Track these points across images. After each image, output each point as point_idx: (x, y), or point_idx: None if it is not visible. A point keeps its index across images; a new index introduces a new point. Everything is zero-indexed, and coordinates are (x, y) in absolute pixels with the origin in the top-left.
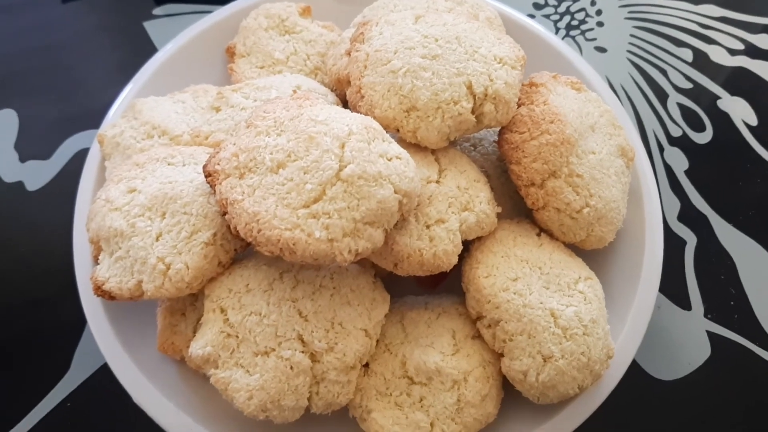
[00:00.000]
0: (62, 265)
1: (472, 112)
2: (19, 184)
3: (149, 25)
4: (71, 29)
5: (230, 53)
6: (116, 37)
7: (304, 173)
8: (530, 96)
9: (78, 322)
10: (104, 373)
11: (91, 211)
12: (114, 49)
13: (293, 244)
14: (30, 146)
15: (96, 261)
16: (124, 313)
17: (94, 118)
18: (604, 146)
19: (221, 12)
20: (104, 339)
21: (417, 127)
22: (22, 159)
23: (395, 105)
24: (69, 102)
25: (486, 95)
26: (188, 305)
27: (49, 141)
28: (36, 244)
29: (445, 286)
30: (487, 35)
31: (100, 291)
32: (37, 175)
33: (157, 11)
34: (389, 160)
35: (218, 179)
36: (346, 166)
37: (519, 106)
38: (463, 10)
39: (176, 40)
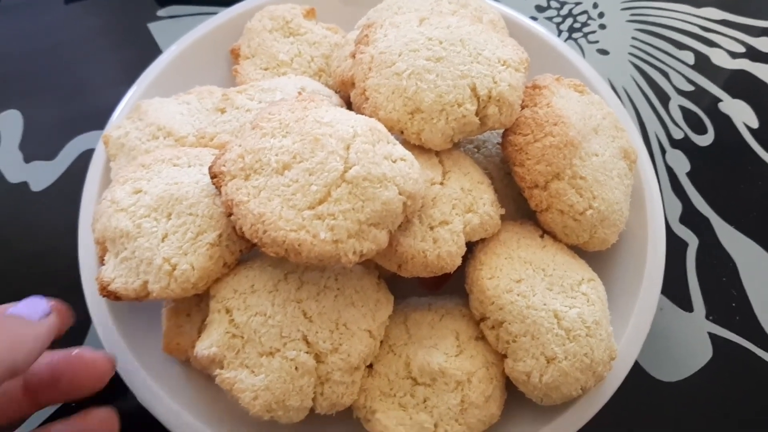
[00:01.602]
0: (67, 266)
1: (476, 114)
2: (24, 185)
3: (153, 27)
4: (74, 30)
5: (235, 55)
6: (120, 38)
7: (309, 175)
8: (533, 98)
9: (82, 323)
10: None
11: (97, 212)
12: (118, 49)
13: (298, 245)
14: (35, 147)
15: (101, 261)
16: (129, 314)
17: (99, 119)
18: (607, 148)
19: (226, 14)
20: (109, 339)
21: (421, 129)
22: (27, 159)
23: (399, 107)
24: (73, 103)
25: (490, 97)
26: (193, 306)
27: (54, 141)
28: (40, 244)
29: (449, 288)
30: (491, 38)
31: (105, 291)
32: (41, 175)
33: (161, 12)
34: (394, 162)
35: (224, 180)
36: (350, 168)
37: (522, 108)
38: (467, 12)
39: (181, 41)
